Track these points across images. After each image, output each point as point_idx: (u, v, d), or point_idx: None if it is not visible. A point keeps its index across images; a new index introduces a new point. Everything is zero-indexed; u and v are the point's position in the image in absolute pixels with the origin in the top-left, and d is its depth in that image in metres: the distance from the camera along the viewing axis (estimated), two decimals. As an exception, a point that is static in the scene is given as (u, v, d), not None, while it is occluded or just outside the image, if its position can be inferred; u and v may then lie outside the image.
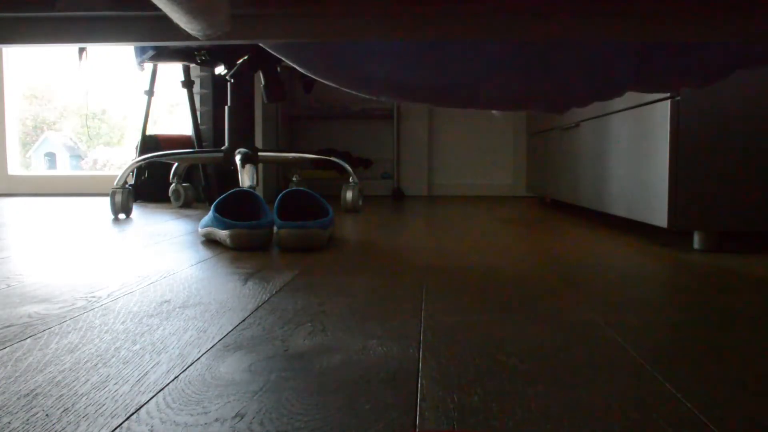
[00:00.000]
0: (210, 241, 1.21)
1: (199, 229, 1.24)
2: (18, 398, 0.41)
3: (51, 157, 3.54)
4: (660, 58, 0.67)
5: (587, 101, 0.73)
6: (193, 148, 2.34)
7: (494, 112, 0.94)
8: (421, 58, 0.67)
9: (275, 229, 1.12)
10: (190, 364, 0.48)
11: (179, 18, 0.45)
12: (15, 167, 3.27)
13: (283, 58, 0.71)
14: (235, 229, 1.09)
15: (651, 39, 0.50)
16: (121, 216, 1.78)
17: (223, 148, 1.89)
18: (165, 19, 0.53)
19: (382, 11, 0.51)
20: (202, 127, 2.44)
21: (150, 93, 2.41)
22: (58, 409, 0.39)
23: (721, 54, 0.66)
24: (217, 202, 1.19)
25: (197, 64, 1.82)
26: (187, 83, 2.24)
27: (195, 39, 0.53)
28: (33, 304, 0.68)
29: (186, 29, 0.48)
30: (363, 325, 0.60)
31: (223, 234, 1.12)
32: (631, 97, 1.29)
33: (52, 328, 0.58)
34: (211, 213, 1.17)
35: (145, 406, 0.40)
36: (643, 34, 0.50)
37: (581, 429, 0.37)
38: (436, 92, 0.71)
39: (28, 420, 0.38)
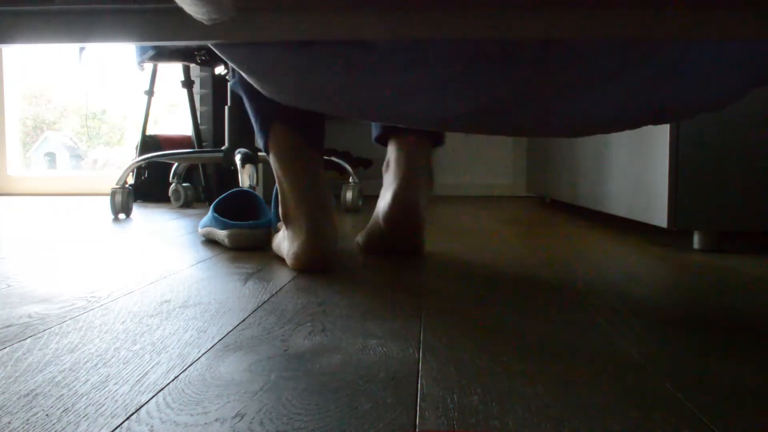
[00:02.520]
0: (210, 241, 1.21)
1: (199, 230, 1.24)
2: (18, 398, 0.41)
3: (51, 157, 3.54)
4: (681, 93, 0.64)
5: (599, 130, 0.71)
6: (193, 148, 2.34)
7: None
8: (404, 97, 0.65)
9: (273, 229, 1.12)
10: (190, 364, 0.48)
11: (184, 1, 0.44)
12: (15, 167, 3.27)
13: (247, 77, 0.70)
14: (233, 229, 1.09)
15: (652, 38, 0.50)
16: (121, 216, 1.78)
17: (223, 148, 1.89)
18: (166, 15, 0.53)
19: (383, 8, 0.51)
20: (202, 127, 2.44)
21: (150, 93, 2.41)
22: (58, 409, 0.39)
23: (735, 76, 0.63)
24: (217, 202, 1.19)
25: (197, 64, 1.82)
26: (187, 83, 2.24)
27: (195, 37, 0.53)
28: (33, 304, 0.68)
29: (191, 13, 0.48)
30: (363, 325, 0.60)
31: (221, 234, 1.12)
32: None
33: (52, 328, 0.58)
34: (210, 213, 1.17)
35: (145, 406, 0.40)
36: (645, 32, 0.50)
37: (581, 429, 0.37)
38: (424, 121, 0.70)
39: (28, 420, 0.38)
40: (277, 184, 0.94)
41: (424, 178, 0.98)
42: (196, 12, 0.47)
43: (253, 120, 0.95)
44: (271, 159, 0.93)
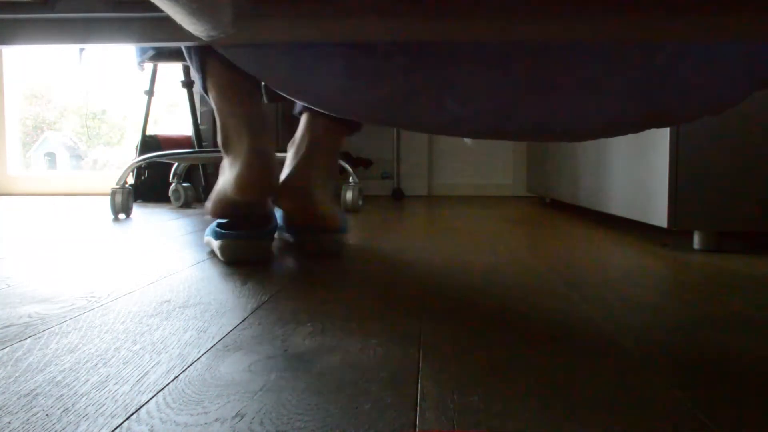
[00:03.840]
0: (210, 241, 1.21)
1: (205, 238, 1.18)
2: (18, 398, 0.41)
3: (51, 157, 3.54)
4: (676, 91, 0.64)
5: (594, 135, 0.71)
6: (193, 148, 2.34)
7: (466, 140, 0.94)
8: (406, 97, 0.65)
9: (290, 237, 1.04)
10: (190, 364, 0.48)
11: (182, 19, 0.45)
12: (15, 167, 3.27)
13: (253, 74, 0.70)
14: (225, 239, 0.94)
15: (654, 39, 0.50)
16: (121, 216, 1.78)
17: (223, 148, 1.88)
18: (166, 20, 0.53)
19: (384, 11, 0.51)
20: (202, 127, 2.44)
21: (150, 93, 2.41)
22: (58, 409, 0.39)
23: (738, 80, 0.63)
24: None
25: (197, 64, 1.82)
26: (187, 83, 2.24)
27: (195, 39, 0.53)
28: (33, 303, 0.68)
29: (190, 30, 0.48)
30: (363, 325, 0.60)
31: (215, 245, 0.99)
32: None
33: (52, 328, 0.58)
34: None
35: (145, 406, 0.40)
36: (646, 33, 0.50)
37: (581, 429, 0.37)
38: (431, 125, 0.70)
39: (28, 420, 0.38)
40: (216, 116, 0.93)
41: (325, 162, 0.96)
42: (195, 29, 0.47)
43: (188, 59, 0.94)
44: (210, 94, 0.92)
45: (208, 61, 0.90)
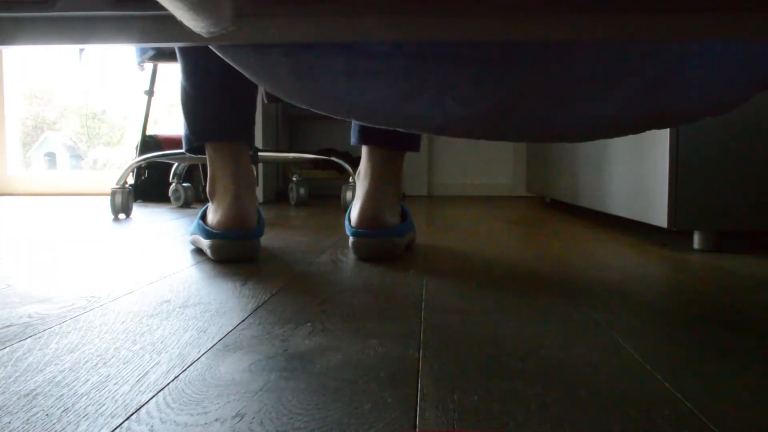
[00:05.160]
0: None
1: (189, 236, 1.16)
2: (18, 398, 0.41)
3: (51, 157, 3.54)
4: (678, 88, 0.64)
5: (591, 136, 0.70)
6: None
7: None
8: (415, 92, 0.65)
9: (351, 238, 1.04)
10: (190, 364, 0.48)
11: (183, 15, 0.45)
12: (15, 167, 3.27)
13: (250, 77, 0.70)
14: (214, 239, 0.98)
15: (654, 39, 0.50)
16: (121, 216, 1.78)
17: (223, 148, 1.88)
18: (166, 19, 0.53)
19: (384, 10, 0.51)
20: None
21: (150, 93, 2.41)
22: (58, 409, 0.39)
23: (740, 79, 0.63)
24: (207, 208, 1.11)
25: (197, 64, 1.82)
26: (187, 83, 2.23)
27: (195, 39, 0.53)
28: (33, 303, 0.68)
29: (190, 26, 0.48)
30: (363, 325, 0.60)
31: (205, 244, 1.02)
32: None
33: (52, 328, 0.58)
34: (197, 219, 1.08)
35: (145, 406, 0.40)
36: (647, 34, 0.50)
37: (581, 429, 0.37)
38: (429, 123, 0.69)
39: (28, 420, 0.38)
40: (208, 165, 1.05)
41: (391, 187, 1.06)
42: (196, 26, 0.47)
43: (187, 129, 1.05)
44: (207, 152, 1.05)
45: (208, 142, 1.05)
